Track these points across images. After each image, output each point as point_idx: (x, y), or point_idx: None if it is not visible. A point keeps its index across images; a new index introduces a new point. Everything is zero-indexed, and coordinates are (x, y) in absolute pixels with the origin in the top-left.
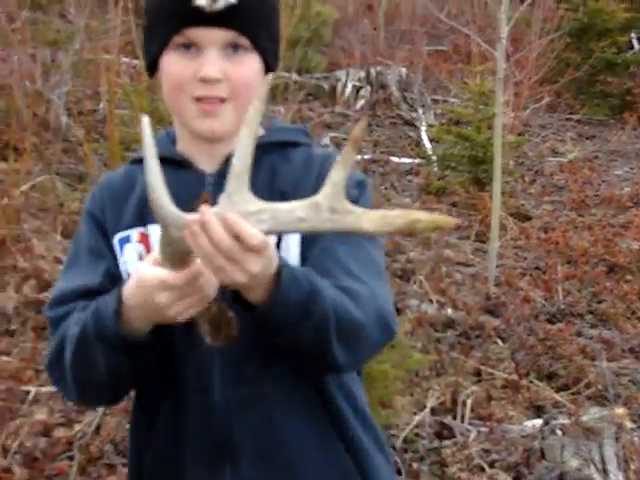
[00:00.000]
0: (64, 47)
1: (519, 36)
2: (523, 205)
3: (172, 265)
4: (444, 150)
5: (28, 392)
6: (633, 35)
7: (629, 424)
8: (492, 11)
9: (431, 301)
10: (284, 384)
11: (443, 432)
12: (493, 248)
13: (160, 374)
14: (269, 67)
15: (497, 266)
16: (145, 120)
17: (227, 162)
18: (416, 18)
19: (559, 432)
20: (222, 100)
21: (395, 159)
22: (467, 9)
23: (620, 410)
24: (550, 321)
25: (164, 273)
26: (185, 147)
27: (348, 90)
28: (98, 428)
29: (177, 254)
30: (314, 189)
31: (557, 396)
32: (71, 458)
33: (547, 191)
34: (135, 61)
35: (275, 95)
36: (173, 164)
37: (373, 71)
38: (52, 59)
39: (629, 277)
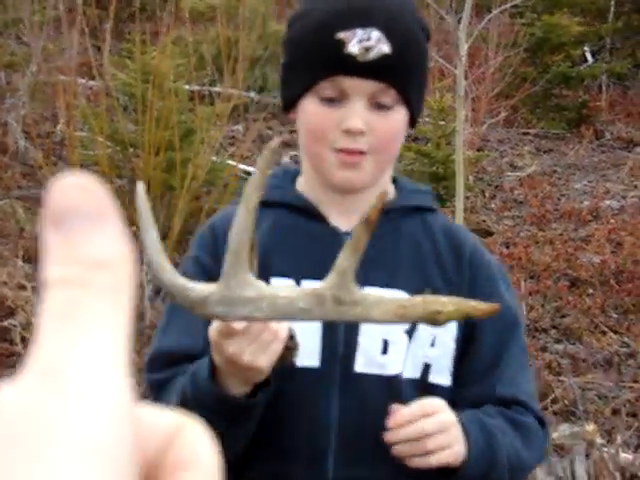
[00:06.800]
0: (20, 69)
1: (475, 51)
2: (484, 221)
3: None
4: (404, 167)
5: None
6: (586, 48)
7: (599, 440)
8: (448, 27)
9: None
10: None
11: None
12: None
13: (264, 445)
14: (413, 118)
15: None
16: (140, 187)
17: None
18: None
19: None
20: (362, 153)
21: None
22: None
23: (591, 427)
24: None
25: (219, 323)
26: (314, 195)
27: None
28: None
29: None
30: (468, 288)
31: None
32: None
33: (507, 206)
34: (91, 82)
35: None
36: (300, 212)
37: None
38: (7, 81)
39: (591, 291)
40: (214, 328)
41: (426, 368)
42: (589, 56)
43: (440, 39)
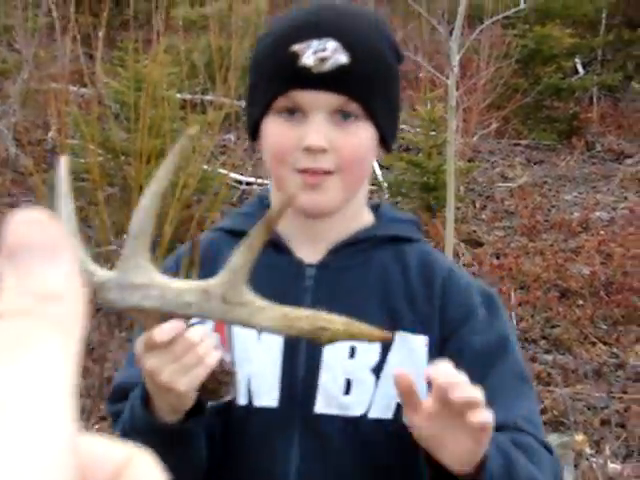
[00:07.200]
0: (11, 76)
1: (467, 62)
2: (475, 231)
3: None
4: (395, 177)
5: None
6: (578, 60)
7: (588, 450)
8: (440, 37)
9: None
10: None
11: None
12: None
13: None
14: (384, 138)
15: None
16: (64, 161)
17: (331, 254)
18: None
19: None
20: (327, 173)
21: None
22: (414, 35)
23: (580, 437)
24: None
25: (145, 335)
26: (281, 223)
27: None
28: None
29: (138, 313)
30: (439, 316)
31: None
32: None
33: (498, 217)
34: (83, 90)
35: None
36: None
37: None
38: None
39: (581, 302)
40: (140, 340)
41: (400, 408)
42: (580, 68)
43: (432, 49)
